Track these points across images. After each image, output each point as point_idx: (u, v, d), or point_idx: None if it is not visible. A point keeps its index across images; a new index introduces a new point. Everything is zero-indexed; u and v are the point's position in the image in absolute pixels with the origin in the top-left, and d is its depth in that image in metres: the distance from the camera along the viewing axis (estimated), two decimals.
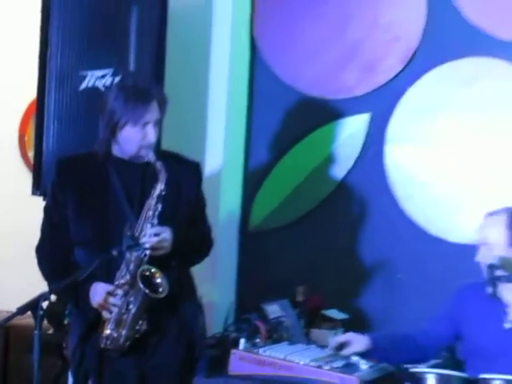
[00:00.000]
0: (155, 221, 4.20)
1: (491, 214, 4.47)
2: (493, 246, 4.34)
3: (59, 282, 4.10)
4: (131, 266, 4.14)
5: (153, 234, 4.14)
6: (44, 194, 5.12)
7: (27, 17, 6.87)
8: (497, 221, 4.49)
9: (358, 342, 4.51)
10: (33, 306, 3.63)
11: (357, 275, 6.01)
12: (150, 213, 4.25)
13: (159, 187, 4.21)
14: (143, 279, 4.07)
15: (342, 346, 4.49)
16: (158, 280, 4.14)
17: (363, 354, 4.54)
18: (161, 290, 4.11)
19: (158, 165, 4.24)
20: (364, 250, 5.97)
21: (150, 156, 4.24)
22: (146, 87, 4.49)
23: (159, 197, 4.24)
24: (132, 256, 4.13)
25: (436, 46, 5.86)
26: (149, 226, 4.22)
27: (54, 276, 4.26)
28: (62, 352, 5.26)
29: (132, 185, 4.38)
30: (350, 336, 4.61)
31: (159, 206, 4.24)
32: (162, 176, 4.23)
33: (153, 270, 4.12)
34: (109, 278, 4.19)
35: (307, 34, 6.21)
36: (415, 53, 5.80)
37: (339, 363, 4.39)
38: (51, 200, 4.51)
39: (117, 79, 5.08)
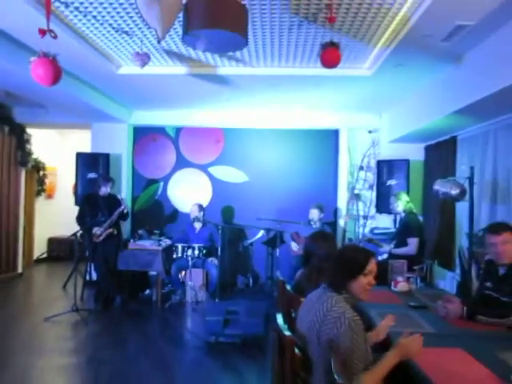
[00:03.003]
0: (116, 215, 5.62)
1: (193, 204, 6.16)
2: (193, 212, 6.04)
3: (82, 226, 5.59)
4: (111, 223, 5.62)
5: (116, 216, 5.64)
6: (77, 204, 6.29)
7: None
8: (195, 206, 6.16)
9: None
10: (75, 233, 5.28)
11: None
12: (116, 213, 5.64)
13: (123, 207, 5.71)
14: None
15: None
16: (115, 230, 5.72)
17: None
18: (115, 232, 5.69)
19: (122, 201, 5.78)
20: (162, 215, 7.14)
21: (119, 197, 5.84)
22: (108, 177, 6.05)
23: (120, 211, 5.69)
24: (112, 221, 5.63)
25: (177, 165, 7.18)
26: (115, 215, 5.60)
27: (81, 225, 5.62)
28: (83, 245, 5.92)
29: (104, 203, 5.70)
30: None
31: (118, 213, 5.65)
32: (123, 205, 5.74)
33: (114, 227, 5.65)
34: (98, 226, 5.58)
35: (149, 162, 7.22)
36: (173, 167, 7.17)
37: None
38: (81, 205, 5.85)
39: (98, 175, 6.49)
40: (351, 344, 1.78)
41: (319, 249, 2.81)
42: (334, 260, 2.06)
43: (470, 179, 4.15)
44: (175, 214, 7.30)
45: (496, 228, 2.76)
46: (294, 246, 6.04)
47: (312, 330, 1.90)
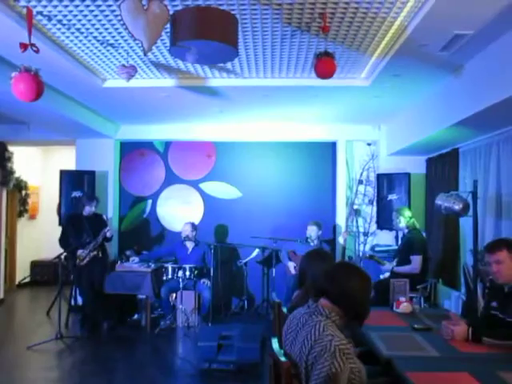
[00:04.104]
0: (101, 237, 5.59)
1: (186, 223, 6.18)
2: (185, 231, 6.05)
3: (66, 248, 5.60)
4: (96, 245, 5.62)
5: (101, 238, 5.61)
6: (61, 224, 6.32)
7: None
8: (188, 224, 6.16)
9: None
10: (59, 256, 5.26)
11: None
12: (102, 234, 5.61)
13: (107, 230, 5.67)
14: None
15: None
16: (100, 252, 5.73)
17: None
18: (100, 254, 5.72)
19: (108, 222, 5.84)
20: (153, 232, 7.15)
21: (105, 217, 5.86)
22: (92, 195, 6.10)
23: (105, 232, 5.65)
24: (97, 243, 5.61)
25: (167, 182, 7.17)
26: (100, 236, 5.59)
27: (64, 247, 5.59)
28: (68, 268, 5.87)
29: (89, 223, 5.71)
30: None
31: (103, 234, 5.62)
32: (109, 226, 5.76)
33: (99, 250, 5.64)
34: (82, 248, 5.58)
35: (137, 179, 7.20)
36: (162, 184, 7.16)
37: None
38: (64, 226, 5.92)
39: (83, 194, 6.49)
40: (330, 372, 1.74)
41: (314, 269, 2.73)
42: (337, 291, 1.97)
43: (474, 193, 4.16)
44: (164, 233, 7.26)
45: (491, 246, 2.74)
46: (291, 266, 6.02)
47: (301, 358, 1.88)
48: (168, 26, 2.85)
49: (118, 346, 5.09)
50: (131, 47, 3.95)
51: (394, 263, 5.03)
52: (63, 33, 3.63)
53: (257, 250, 6.51)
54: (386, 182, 6.58)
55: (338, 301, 1.96)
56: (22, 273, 8.86)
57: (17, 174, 7.95)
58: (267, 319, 5.76)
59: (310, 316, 1.97)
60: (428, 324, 3.08)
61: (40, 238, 9.10)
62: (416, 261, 4.80)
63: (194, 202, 7.25)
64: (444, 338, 2.71)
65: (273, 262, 6.27)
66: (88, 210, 5.76)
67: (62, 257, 5.33)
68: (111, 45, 3.88)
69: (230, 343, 4.33)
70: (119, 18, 3.15)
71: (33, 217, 9.24)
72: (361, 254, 6.62)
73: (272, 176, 7.17)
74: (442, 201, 4.40)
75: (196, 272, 5.90)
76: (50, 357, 4.75)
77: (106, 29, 3.56)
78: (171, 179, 7.28)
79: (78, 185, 6.71)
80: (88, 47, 3.95)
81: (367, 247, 6.71)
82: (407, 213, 5.17)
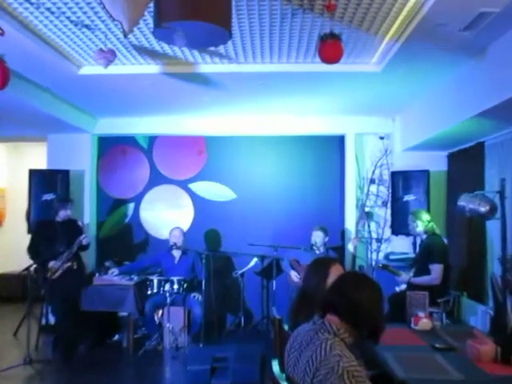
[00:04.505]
0: (76, 245, 5.57)
1: (175, 227, 6.20)
2: (175, 237, 6.04)
3: (36, 259, 5.50)
4: (70, 255, 5.61)
5: (76, 247, 5.58)
6: (30, 232, 6.30)
7: None
8: (178, 229, 6.18)
9: None
10: (28, 268, 5.12)
11: None
12: (77, 242, 5.59)
13: (82, 237, 5.66)
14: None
15: None
16: (75, 263, 5.70)
17: None
18: (75, 266, 5.67)
19: (84, 229, 5.86)
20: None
21: (80, 223, 5.86)
22: (65, 197, 6.18)
23: (80, 240, 5.64)
24: (71, 253, 5.56)
25: (152, 182, 7.22)
26: (75, 245, 5.58)
27: (34, 258, 5.56)
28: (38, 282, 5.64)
29: (63, 230, 5.70)
30: None
31: (78, 242, 5.62)
32: (85, 233, 5.78)
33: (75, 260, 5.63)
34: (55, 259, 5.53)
35: (118, 179, 7.23)
36: (147, 185, 7.18)
37: None
38: (34, 234, 5.90)
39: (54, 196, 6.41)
40: None
41: (318, 280, 2.73)
42: (345, 304, 1.99)
43: (501, 193, 4.15)
44: (148, 240, 7.25)
45: None
46: (294, 276, 6.00)
47: (305, 381, 1.88)
48: (151, 4, 2.82)
49: (97, 371, 5.03)
50: (109, 29, 3.92)
51: (412, 273, 5.02)
52: (31, 12, 3.60)
53: (255, 260, 6.45)
54: (401, 181, 6.56)
55: (347, 315, 1.96)
56: None
57: None
58: (267, 338, 5.67)
59: (315, 333, 1.96)
60: (451, 343, 3.07)
61: (6, 247, 9.00)
62: (436, 270, 4.79)
63: (182, 205, 7.25)
64: (469, 358, 2.70)
65: (273, 273, 6.24)
66: (63, 214, 5.76)
67: (32, 269, 5.29)
68: (87, 26, 3.85)
69: (224, 366, 4.31)
70: None
71: None
72: (373, 263, 6.61)
73: (271, 175, 7.15)
74: (465, 202, 4.40)
75: (185, 285, 5.87)
76: None
77: (81, 8, 3.53)
78: (156, 179, 7.26)
79: (49, 186, 6.67)
80: (60, 29, 3.92)
81: (381, 255, 6.70)
82: (425, 216, 5.17)
